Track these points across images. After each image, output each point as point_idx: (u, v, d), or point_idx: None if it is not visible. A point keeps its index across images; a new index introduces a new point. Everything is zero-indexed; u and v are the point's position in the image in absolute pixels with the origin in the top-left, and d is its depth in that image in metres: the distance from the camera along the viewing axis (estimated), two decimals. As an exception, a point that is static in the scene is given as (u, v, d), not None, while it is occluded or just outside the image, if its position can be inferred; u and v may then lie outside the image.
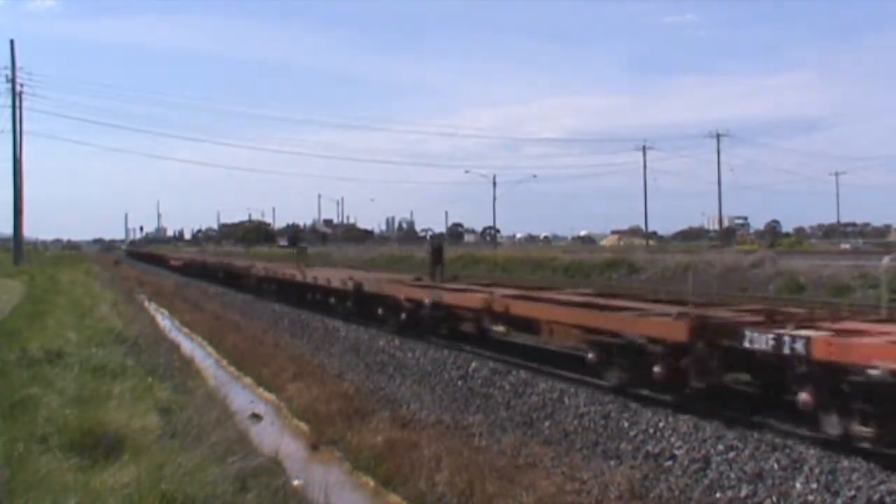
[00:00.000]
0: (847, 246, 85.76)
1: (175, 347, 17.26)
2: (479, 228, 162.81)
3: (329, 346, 16.95)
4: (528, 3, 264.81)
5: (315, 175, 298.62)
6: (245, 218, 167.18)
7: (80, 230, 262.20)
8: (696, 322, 8.36)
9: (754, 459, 7.34)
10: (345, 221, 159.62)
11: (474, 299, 13.38)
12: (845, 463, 6.82)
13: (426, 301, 14.36)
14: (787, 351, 7.23)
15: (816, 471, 6.84)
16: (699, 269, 30.22)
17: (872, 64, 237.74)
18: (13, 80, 54.69)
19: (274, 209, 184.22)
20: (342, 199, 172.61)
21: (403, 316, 15.32)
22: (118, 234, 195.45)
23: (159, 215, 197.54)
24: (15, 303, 20.73)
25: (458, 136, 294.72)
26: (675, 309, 9.78)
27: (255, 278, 28.07)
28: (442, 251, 19.59)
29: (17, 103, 54.44)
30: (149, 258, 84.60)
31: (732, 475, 7.29)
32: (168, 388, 9.59)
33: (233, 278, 32.79)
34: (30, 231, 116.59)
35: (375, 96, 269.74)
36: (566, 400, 10.03)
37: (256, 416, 11.33)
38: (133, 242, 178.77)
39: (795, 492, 6.74)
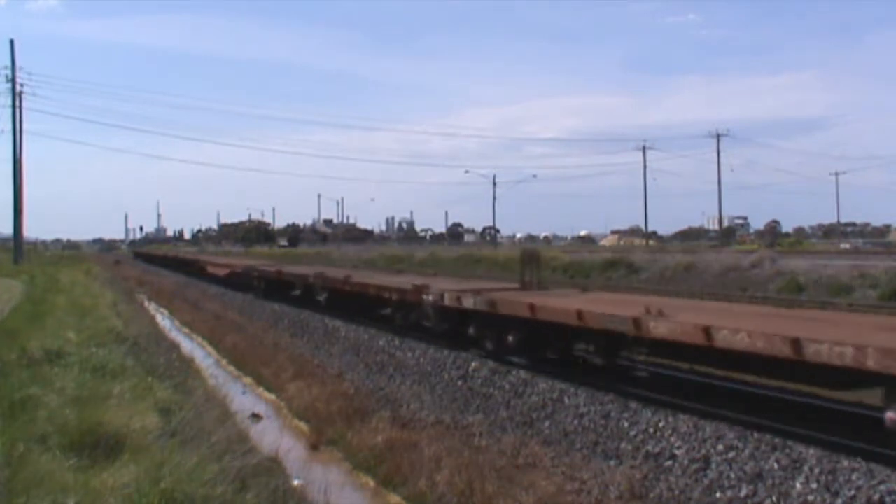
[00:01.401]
0: (847, 246, 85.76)
1: (175, 347, 17.26)
2: (479, 228, 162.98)
3: (329, 346, 16.95)
4: (529, 3, 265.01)
5: (315, 175, 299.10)
6: (245, 218, 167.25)
7: (80, 230, 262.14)
8: None
9: (754, 459, 7.34)
10: (345, 221, 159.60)
11: None
12: (845, 463, 6.82)
13: None
14: None
15: (816, 471, 6.85)
16: (699, 270, 30.22)
17: (872, 64, 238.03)
18: (13, 80, 54.76)
19: (274, 209, 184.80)
20: (342, 199, 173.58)
21: None
22: (118, 234, 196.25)
23: (159, 215, 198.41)
24: (15, 302, 20.72)
25: (458, 136, 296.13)
26: None
27: (434, 310, 13.92)
28: None
29: (17, 103, 54.52)
30: (163, 261, 66.04)
31: (732, 475, 7.29)
32: (168, 387, 9.58)
33: (358, 304, 18.30)
34: (30, 231, 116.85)
35: (375, 96, 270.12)
36: (566, 400, 10.04)
37: (256, 416, 11.33)
38: (133, 242, 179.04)
39: (795, 492, 6.74)
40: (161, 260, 69.49)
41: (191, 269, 46.36)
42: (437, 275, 25.96)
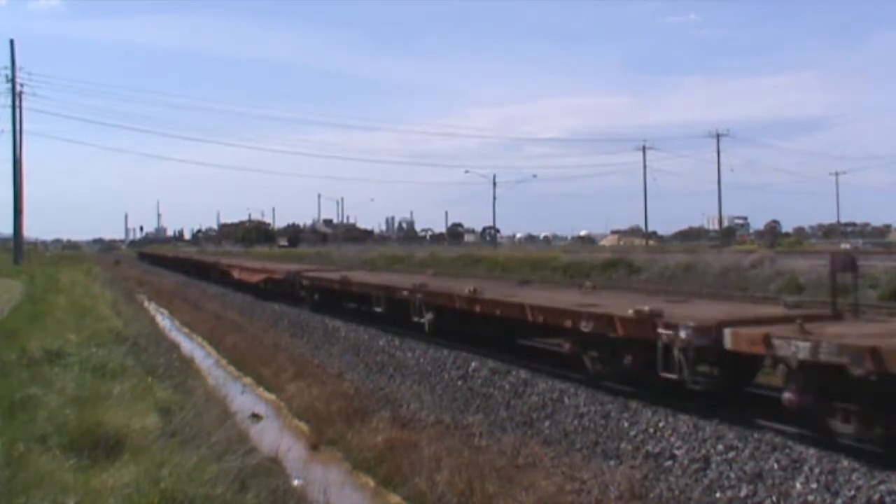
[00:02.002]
0: (847, 246, 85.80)
1: (175, 347, 17.27)
2: (479, 228, 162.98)
3: (329, 346, 16.94)
4: (529, 3, 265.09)
5: (315, 175, 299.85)
6: (245, 218, 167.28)
7: (80, 230, 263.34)
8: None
9: (754, 459, 7.34)
10: (345, 221, 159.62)
11: None
12: (845, 463, 6.82)
13: None
14: None
15: (816, 471, 6.84)
16: (699, 270, 30.22)
17: (872, 64, 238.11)
18: (13, 80, 54.68)
19: (274, 209, 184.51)
20: (342, 199, 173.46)
21: None
22: (118, 234, 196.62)
23: (159, 215, 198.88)
24: (15, 302, 20.71)
25: (458, 136, 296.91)
26: None
27: (691, 356, 8.37)
28: None
29: (17, 103, 54.46)
30: (172, 264, 58.25)
31: (732, 475, 7.29)
32: (168, 387, 9.57)
33: (492, 332, 13.34)
34: (30, 231, 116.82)
35: (375, 96, 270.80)
36: (566, 400, 10.03)
37: (256, 416, 11.33)
38: (133, 242, 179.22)
39: (795, 492, 6.74)
40: (170, 262, 61.02)
41: (209, 273, 38.43)
42: (605, 289, 16.70)
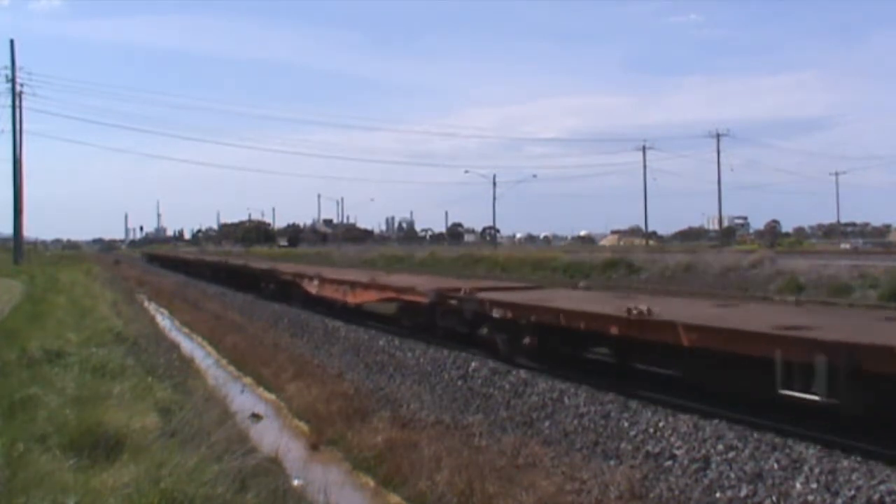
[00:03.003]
0: (847, 246, 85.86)
1: (175, 347, 17.26)
2: (479, 228, 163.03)
3: (329, 346, 16.94)
4: (529, 3, 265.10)
5: (315, 175, 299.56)
6: (245, 218, 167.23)
7: (80, 230, 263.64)
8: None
9: (754, 459, 7.34)
10: (345, 221, 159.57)
11: None
12: (845, 463, 6.82)
13: None
14: None
15: (816, 471, 6.84)
16: (699, 270, 30.20)
17: (872, 64, 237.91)
18: (13, 80, 54.67)
19: (274, 209, 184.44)
20: (342, 199, 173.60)
21: None
22: (118, 234, 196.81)
23: (159, 215, 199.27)
24: (15, 302, 20.69)
25: (458, 136, 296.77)
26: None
27: None
28: None
29: (17, 103, 54.44)
30: (194, 270, 45.24)
31: (732, 475, 7.29)
32: (168, 387, 9.57)
33: None
34: (30, 231, 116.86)
35: (375, 96, 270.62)
36: (566, 400, 10.03)
37: (256, 416, 11.32)
38: (133, 242, 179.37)
39: (795, 492, 6.74)
40: (188, 267, 49.23)
41: (263, 284, 26.59)
42: None
